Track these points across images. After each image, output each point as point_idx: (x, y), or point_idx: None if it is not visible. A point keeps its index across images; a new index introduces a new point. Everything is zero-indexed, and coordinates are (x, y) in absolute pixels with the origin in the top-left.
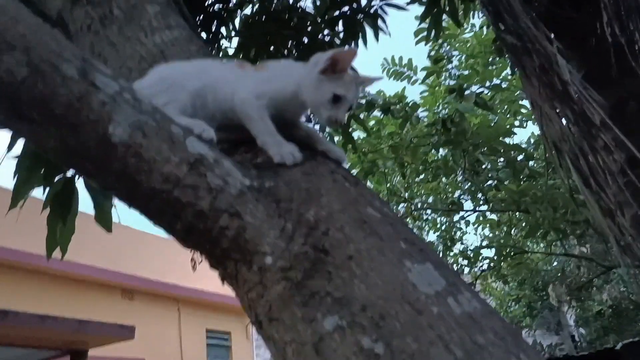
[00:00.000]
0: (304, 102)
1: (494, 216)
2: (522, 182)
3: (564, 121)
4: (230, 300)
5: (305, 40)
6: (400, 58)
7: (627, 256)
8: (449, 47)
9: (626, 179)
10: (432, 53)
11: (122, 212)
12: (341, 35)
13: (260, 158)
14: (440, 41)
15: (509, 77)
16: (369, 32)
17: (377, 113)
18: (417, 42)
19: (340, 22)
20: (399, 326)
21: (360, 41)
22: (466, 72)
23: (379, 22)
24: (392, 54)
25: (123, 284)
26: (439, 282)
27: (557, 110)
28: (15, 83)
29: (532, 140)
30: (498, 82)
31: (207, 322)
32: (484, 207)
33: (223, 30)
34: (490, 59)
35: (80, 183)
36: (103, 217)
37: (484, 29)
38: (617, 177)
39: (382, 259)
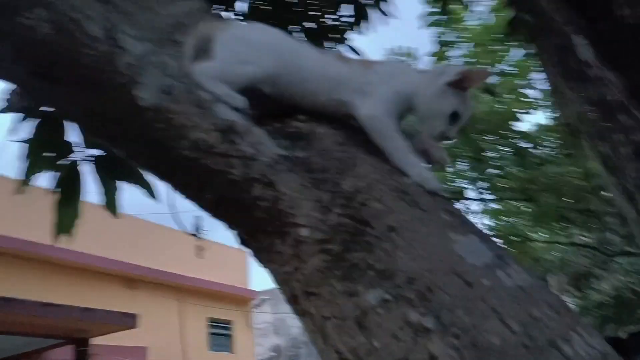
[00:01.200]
0: (414, 108)
1: (498, 206)
2: (528, 170)
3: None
4: (232, 289)
5: (310, 25)
6: (402, 47)
7: None
8: (456, 30)
9: None
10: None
11: (125, 201)
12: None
13: (291, 127)
14: (448, 26)
15: (514, 62)
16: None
17: None
18: (429, 25)
19: (346, 7)
20: (449, 299)
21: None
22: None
23: (386, 6)
24: (396, 39)
25: (126, 272)
26: (486, 254)
27: (575, 91)
28: (37, 40)
29: (538, 128)
30: (503, 68)
31: (208, 311)
32: (489, 196)
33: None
34: (495, 47)
35: (85, 168)
36: (110, 203)
37: (493, 17)
38: (636, 159)
39: (425, 230)
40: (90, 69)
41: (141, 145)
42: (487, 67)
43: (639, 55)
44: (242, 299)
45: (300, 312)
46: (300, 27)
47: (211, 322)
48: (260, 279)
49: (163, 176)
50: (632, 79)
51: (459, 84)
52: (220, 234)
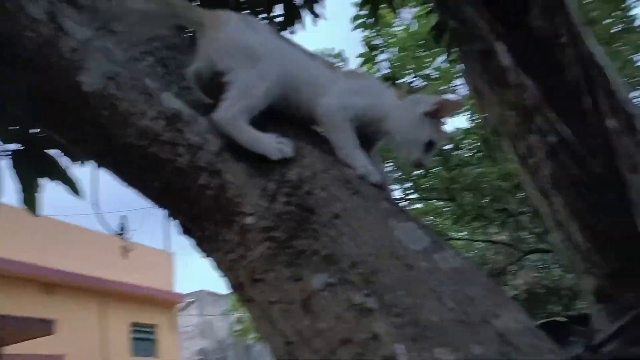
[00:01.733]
0: (388, 133)
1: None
2: (450, 171)
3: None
4: (156, 292)
5: None
6: (332, 49)
7: (561, 232)
8: (382, 36)
9: (558, 161)
10: (369, 39)
11: (44, 202)
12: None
13: None
14: (377, 28)
15: (440, 68)
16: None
17: None
18: (355, 28)
19: (279, 6)
20: (391, 281)
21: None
22: (398, 64)
23: (317, 7)
24: (328, 40)
25: (43, 277)
26: (424, 239)
27: (496, 94)
28: None
29: (460, 131)
30: (429, 73)
31: (131, 315)
32: (412, 196)
33: None
34: (420, 53)
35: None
36: (30, 200)
37: (416, 23)
38: (550, 159)
39: (368, 218)
40: (32, 52)
41: (85, 132)
42: (456, 96)
43: (551, 63)
44: (167, 302)
45: (246, 299)
46: None
47: (134, 326)
48: (186, 281)
49: (107, 164)
50: (545, 85)
51: (436, 114)
52: (146, 235)
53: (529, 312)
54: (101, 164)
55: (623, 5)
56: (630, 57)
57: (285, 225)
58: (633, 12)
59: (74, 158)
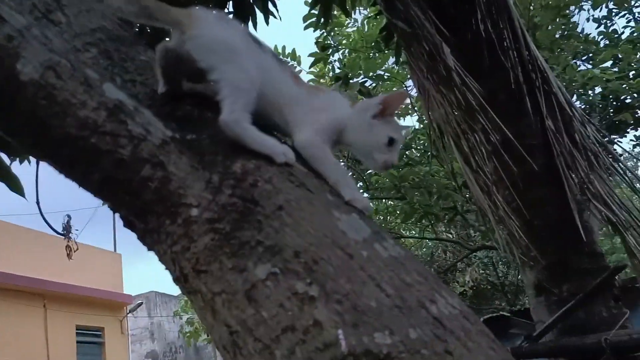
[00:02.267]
0: (349, 144)
1: (373, 204)
2: (401, 169)
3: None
4: (103, 294)
5: None
6: (284, 47)
7: (501, 227)
8: (334, 37)
9: (500, 160)
10: (320, 40)
11: None
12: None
13: (180, 111)
14: (328, 29)
15: (392, 69)
16: (260, 15)
17: None
18: (306, 28)
19: (230, 3)
20: (332, 269)
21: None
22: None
23: (270, 5)
24: (282, 38)
25: None
26: (365, 230)
27: (442, 95)
28: None
29: (409, 131)
30: (381, 73)
31: (77, 318)
32: (365, 195)
33: None
34: (371, 54)
35: None
36: None
37: (365, 25)
38: (493, 157)
39: (312, 209)
40: None
41: (23, 123)
42: (397, 90)
43: (494, 65)
44: (114, 304)
45: (190, 291)
46: None
47: (80, 329)
48: (135, 282)
49: (46, 156)
50: (489, 86)
51: (384, 113)
52: (93, 236)
53: (476, 308)
54: (40, 156)
55: (564, 13)
56: (570, 62)
57: (229, 217)
58: (574, 19)
59: (12, 154)
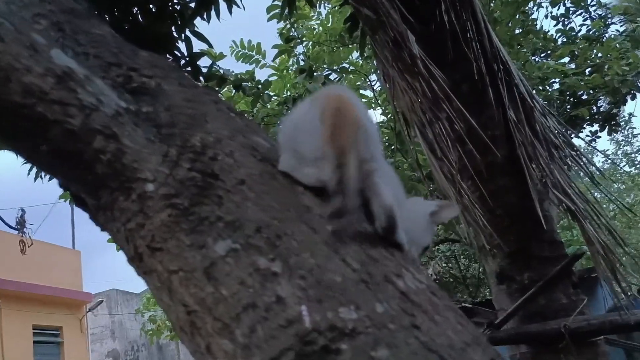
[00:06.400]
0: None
1: None
2: None
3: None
4: (61, 292)
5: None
6: (250, 41)
7: (467, 214)
8: (298, 29)
9: (464, 149)
10: (284, 32)
11: None
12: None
13: (136, 83)
14: (292, 20)
15: (356, 63)
16: (223, 5)
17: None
18: (270, 19)
19: None
20: (296, 244)
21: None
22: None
23: None
24: (245, 30)
25: None
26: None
27: (407, 83)
28: None
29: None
30: (345, 66)
31: (34, 318)
32: None
33: None
34: (334, 48)
35: None
36: None
37: (330, 18)
38: (457, 146)
39: (275, 184)
40: None
41: None
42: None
43: (459, 56)
44: (73, 302)
45: (145, 271)
46: (140, 9)
47: (38, 329)
48: (96, 280)
49: None
50: (454, 76)
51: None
52: (52, 234)
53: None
54: None
55: (523, 9)
56: (529, 58)
57: (187, 192)
58: (533, 16)
59: None
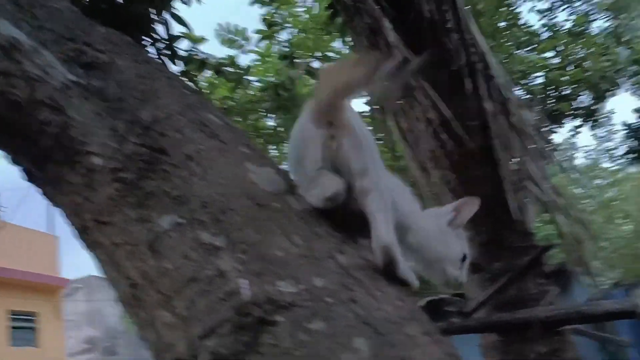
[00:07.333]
0: (415, 248)
1: None
2: None
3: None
4: (37, 277)
5: None
6: (235, 25)
7: (436, 204)
8: (281, 15)
9: (438, 138)
10: (267, 17)
11: None
12: None
13: (88, 57)
14: (276, 5)
15: (340, 51)
16: None
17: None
18: (253, 3)
19: None
20: (240, 220)
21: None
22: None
23: None
24: (229, 15)
25: None
26: (280, 183)
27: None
28: None
29: None
30: (328, 54)
31: (9, 303)
32: None
33: None
34: (319, 36)
35: None
36: None
37: (318, 5)
38: (432, 135)
39: (223, 160)
40: None
41: None
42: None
43: (437, 46)
44: (50, 287)
45: (91, 244)
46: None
47: (13, 314)
48: (74, 266)
49: None
50: (431, 66)
51: (456, 221)
52: (30, 219)
53: (418, 292)
54: None
55: (507, 2)
56: (513, 52)
57: (134, 167)
58: (517, 10)
59: None
